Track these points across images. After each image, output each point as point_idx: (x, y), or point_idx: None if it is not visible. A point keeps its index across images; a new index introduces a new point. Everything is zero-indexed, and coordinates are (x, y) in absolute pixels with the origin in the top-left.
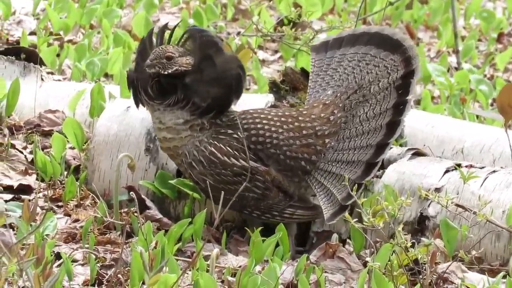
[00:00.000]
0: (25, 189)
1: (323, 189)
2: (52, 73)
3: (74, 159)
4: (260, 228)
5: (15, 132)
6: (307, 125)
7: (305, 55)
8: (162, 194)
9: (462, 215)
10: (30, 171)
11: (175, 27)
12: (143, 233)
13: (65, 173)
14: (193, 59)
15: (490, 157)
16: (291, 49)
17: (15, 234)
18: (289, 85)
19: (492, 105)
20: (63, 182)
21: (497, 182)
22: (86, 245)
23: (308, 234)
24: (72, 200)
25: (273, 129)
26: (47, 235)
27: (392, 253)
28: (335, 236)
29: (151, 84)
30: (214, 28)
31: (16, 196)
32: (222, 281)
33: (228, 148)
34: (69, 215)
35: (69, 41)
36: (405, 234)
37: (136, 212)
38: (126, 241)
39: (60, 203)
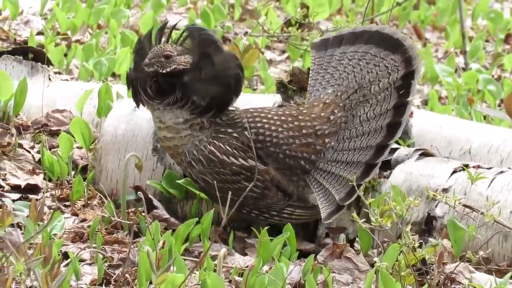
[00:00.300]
0: (33, 189)
1: (321, 189)
2: (59, 73)
3: (81, 158)
4: (266, 228)
5: (22, 131)
6: (307, 124)
7: None
8: (169, 194)
9: (469, 216)
10: (37, 170)
11: (173, 26)
12: (151, 232)
13: (73, 172)
14: (192, 58)
15: (498, 157)
16: (298, 49)
17: (22, 233)
18: (297, 85)
19: (499, 105)
20: (70, 181)
21: (504, 183)
22: (94, 245)
23: (316, 232)
24: (79, 200)
25: (273, 128)
26: (54, 234)
27: (400, 253)
28: (342, 236)
29: (150, 84)
30: (222, 28)
31: (23, 196)
32: (230, 281)
33: (227, 147)
34: (77, 215)
35: (77, 41)
36: (412, 235)
37: (143, 211)
38: (134, 241)
39: (67, 203)
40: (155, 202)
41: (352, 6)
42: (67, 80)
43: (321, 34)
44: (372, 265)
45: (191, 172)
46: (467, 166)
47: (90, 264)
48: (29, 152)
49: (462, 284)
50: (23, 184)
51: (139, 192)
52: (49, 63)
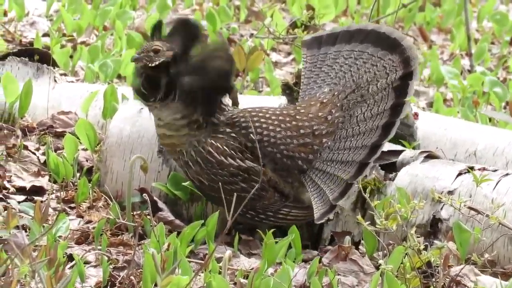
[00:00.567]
0: (38, 191)
1: (316, 189)
2: (65, 75)
3: (86, 160)
4: (273, 230)
5: (28, 133)
6: (304, 124)
7: None
8: (174, 196)
9: (475, 218)
10: (42, 172)
11: (165, 22)
12: (156, 235)
13: (78, 174)
14: (178, 50)
15: (503, 160)
16: None
17: (27, 235)
18: None
19: (505, 108)
20: (75, 183)
21: (510, 185)
22: (99, 247)
23: (321, 235)
24: (84, 202)
25: (270, 127)
26: (59, 236)
27: (405, 256)
28: (347, 238)
29: (141, 82)
30: (227, 30)
31: (28, 197)
32: (235, 283)
33: (225, 148)
34: (82, 217)
35: (82, 42)
36: (417, 237)
37: (148, 214)
38: (139, 243)
39: (72, 205)
40: (160, 204)
41: (358, 7)
42: (72, 81)
43: None
44: (377, 268)
45: (187, 171)
46: (472, 168)
47: (95, 266)
48: (35, 154)
49: (468, 286)
50: (28, 186)
51: (144, 194)
52: (54, 64)
